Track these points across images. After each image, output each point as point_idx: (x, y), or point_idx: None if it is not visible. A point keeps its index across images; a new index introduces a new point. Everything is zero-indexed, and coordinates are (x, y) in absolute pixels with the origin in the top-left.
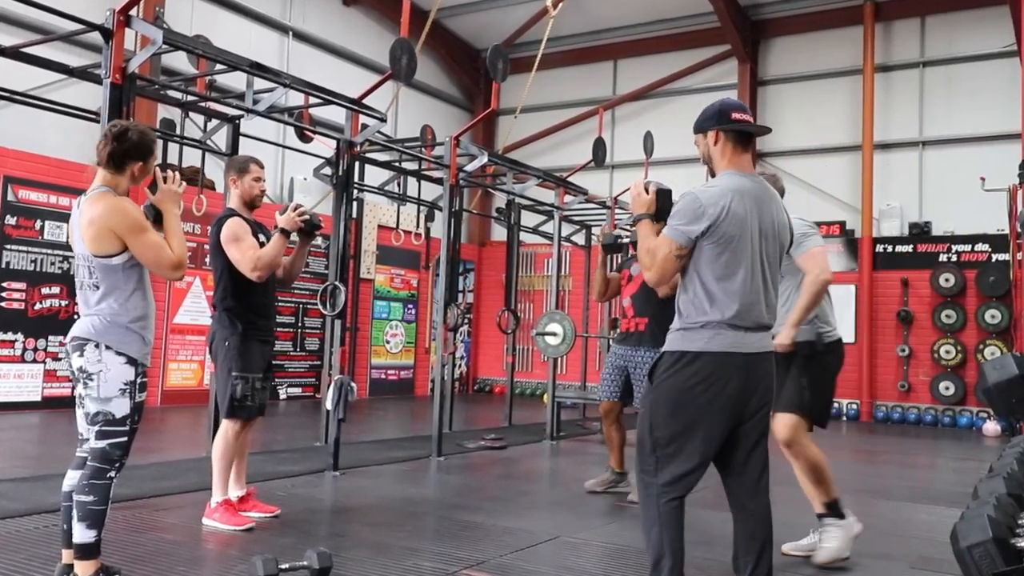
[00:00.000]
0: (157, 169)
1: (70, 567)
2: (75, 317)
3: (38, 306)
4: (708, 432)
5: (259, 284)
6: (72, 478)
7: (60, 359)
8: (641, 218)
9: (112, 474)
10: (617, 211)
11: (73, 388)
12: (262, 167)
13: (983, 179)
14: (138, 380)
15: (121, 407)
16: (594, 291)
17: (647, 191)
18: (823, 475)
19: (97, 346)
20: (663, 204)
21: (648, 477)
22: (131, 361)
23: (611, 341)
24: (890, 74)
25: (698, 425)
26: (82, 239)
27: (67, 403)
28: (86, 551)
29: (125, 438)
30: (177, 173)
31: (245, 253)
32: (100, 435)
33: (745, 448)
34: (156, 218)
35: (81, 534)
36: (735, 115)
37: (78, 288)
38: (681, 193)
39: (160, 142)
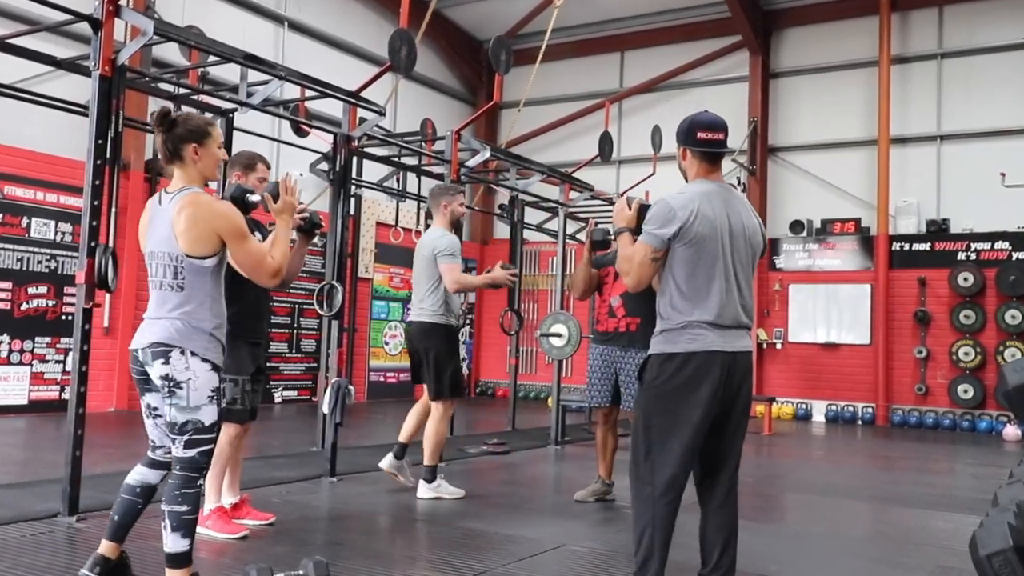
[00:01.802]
0: (280, 179)
1: (106, 559)
2: (63, 318)
3: (24, 306)
4: (694, 431)
5: (253, 285)
6: (139, 473)
7: (47, 361)
8: (622, 231)
9: (201, 482)
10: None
11: (142, 396)
12: (268, 166)
13: (1003, 175)
14: (222, 386)
15: (210, 415)
16: (576, 290)
17: (630, 207)
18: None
19: (183, 352)
20: (643, 219)
21: (644, 481)
22: (215, 368)
23: (592, 341)
24: (907, 66)
25: (685, 425)
26: (176, 238)
27: (55, 407)
28: (180, 560)
29: (212, 445)
30: (296, 184)
31: None
32: (189, 444)
33: (724, 444)
34: (245, 208)
35: (175, 543)
36: (701, 134)
37: (155, 288)
38: (654, 201)
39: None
